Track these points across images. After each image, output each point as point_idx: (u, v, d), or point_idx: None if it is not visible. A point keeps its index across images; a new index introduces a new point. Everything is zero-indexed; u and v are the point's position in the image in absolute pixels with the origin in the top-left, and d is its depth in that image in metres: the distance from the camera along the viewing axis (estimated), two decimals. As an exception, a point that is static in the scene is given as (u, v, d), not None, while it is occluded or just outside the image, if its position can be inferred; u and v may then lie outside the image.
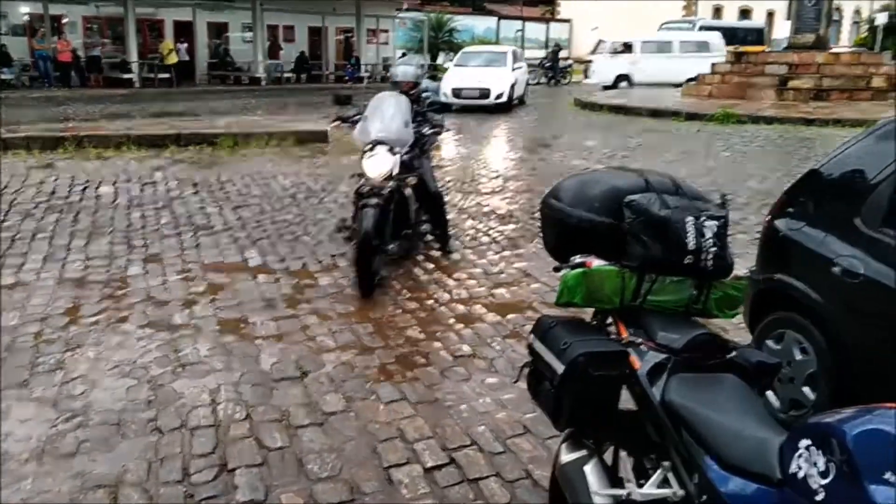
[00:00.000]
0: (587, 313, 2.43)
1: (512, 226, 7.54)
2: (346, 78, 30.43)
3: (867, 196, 3.09)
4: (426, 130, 6.03)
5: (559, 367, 2.18)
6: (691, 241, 2.23)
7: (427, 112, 6.22)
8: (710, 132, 15.13)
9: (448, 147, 13.31)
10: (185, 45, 28.74)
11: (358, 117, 5.85)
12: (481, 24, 39.85)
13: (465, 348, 4.57)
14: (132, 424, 3.58)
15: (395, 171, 5.47)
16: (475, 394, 3.98)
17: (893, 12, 41.28)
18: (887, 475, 1.52)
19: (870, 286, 2.99)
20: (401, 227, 5.75)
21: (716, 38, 27.57)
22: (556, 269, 2.37)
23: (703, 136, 14.57)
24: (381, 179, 5.39)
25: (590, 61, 29.57)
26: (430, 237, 6.59)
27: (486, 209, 8.33)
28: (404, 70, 6.31)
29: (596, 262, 2.27)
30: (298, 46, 32.38)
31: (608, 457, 2.39)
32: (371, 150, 5.49)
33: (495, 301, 5.41)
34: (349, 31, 33.68)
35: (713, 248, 2.26)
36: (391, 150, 5.46)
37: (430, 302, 5.35)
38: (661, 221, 2.22)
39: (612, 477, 2.29)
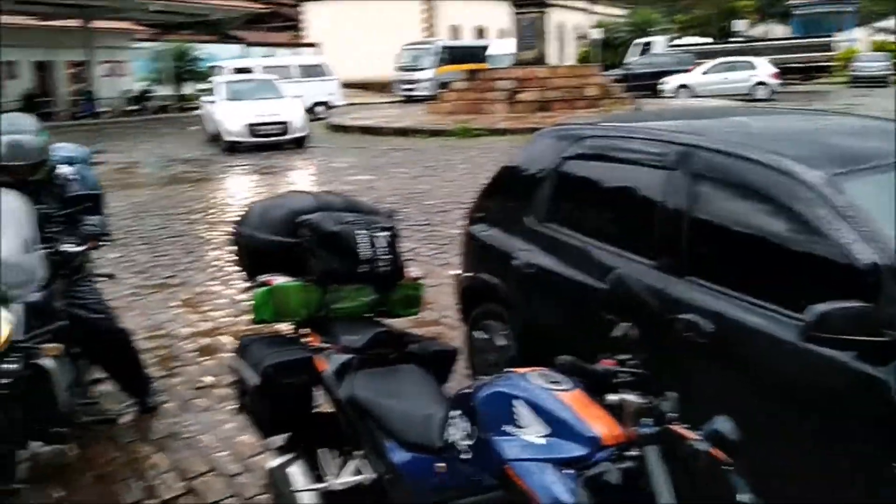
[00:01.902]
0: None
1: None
2: (81, 114, 28.41)
3: (532, 196, 3.60)
4: (69, 248, 3.43)
5: (255, 380, 2.37)
6: (364, 251, 2.52)
7: (73, 213, 3.61)
8: (451, 146, 16.11)
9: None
10: None
11: None
12: (227, 52, 38.95)
13: (207, 379, 4.60)
14: None
15: (20, 334, 2.96)
16: (216, 421, 4.05)
17: (606, 28, 46.60)
18: (505, 427, 1.88)
19: (543, 274, 3.48)
20: (45, 423, 3.21)
21: (327, 62, 27.55)
22: (247, 290, 2.56)
23: (444, 151, 15.49)
24: None
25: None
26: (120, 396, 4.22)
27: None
28: (13, 143, 3.40)
29: (279, 280, 2.49)
30: (24, 83, 29.85)
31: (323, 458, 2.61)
32: None
33: (241, 329, 5.45)
34: (82, 65, 31.61)
35: (386, 256, 2.57)
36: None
37: (169, 340, 5.29)
38: (334, 236, 2.49)
39: (318, 474, 2.51)
